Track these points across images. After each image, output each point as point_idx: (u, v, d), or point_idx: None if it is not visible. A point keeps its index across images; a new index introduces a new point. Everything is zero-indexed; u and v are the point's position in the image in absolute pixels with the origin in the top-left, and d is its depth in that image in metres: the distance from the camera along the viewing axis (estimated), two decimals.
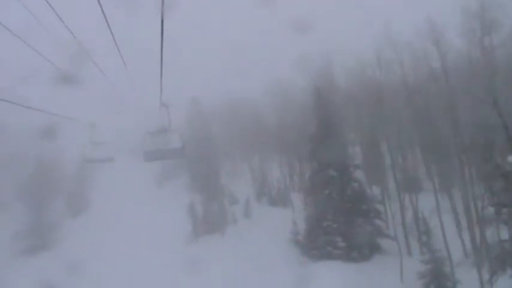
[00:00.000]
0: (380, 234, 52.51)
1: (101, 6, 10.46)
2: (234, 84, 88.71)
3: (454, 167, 53.14)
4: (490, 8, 44.03)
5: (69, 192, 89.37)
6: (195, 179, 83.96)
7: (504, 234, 36.92)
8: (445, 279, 41.02)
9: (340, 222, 51.39)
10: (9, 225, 73.22)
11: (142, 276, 55.19)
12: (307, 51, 70.68)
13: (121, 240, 65.21)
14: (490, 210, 39.29)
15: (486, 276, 36.69)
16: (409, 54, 52.06)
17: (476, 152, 45.51)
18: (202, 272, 48.54)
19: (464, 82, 47.18)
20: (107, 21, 11.46)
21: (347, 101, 63.68)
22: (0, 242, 68.53)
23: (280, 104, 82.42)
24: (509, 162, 32.91)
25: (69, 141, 61.05)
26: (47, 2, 11.59)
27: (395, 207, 54.56)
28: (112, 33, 12.31)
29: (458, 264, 44.75)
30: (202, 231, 68.79)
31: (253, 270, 49.85)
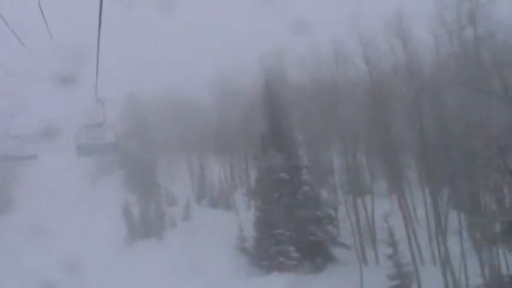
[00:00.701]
0: (334, 242, 48.81)
1: None
2: (175, 79, 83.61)
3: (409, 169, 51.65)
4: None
5: None
6: (130, 177, 79.25)
7: None
8: None
9: (292, 229, 47.18)
10: None
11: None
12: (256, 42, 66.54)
13: (46, 245, 58.87)
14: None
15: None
16: (374, 50, 47.66)
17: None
18: (136, 282, 43.53)
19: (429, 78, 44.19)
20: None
21: (299, 98, 59.38)
22: None
23: (224, 100, 77.72)
24: None
25: None
26: None
27: (344, 212, 51.38)
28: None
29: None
30: (137, 235, 63.33)
31: (195, 282, 44.81)
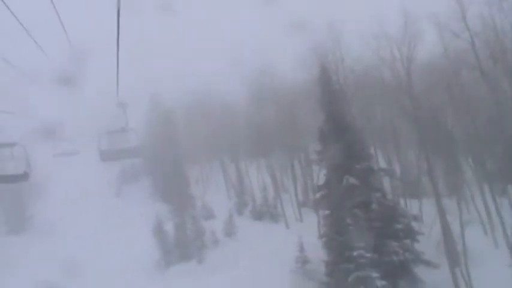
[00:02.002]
0: (419, 260, 39.04)
1: None
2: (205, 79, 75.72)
3: None
4: None
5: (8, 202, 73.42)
6: (159, 187, 70.70)
7: None
8: None
9: (371, 249, 37.38)
10: None
11: None
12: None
13: (69, 267, 49.81)
14: None
15: None
16: None
17: None
18: None
19: None
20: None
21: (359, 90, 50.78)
22: None
23: (261, 97, 68.10)
24: None
25: None
26: None
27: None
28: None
29: None
30: (173, 258, 54.52)
31: None
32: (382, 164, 55.32)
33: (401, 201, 49.55)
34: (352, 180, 40.55)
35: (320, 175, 50.97)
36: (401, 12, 43.30)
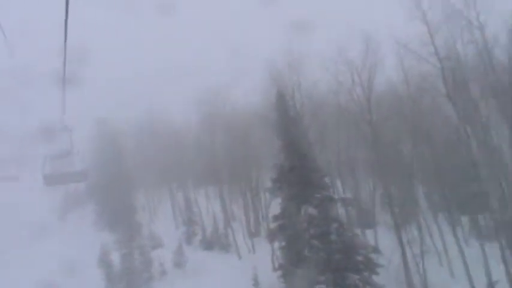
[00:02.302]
0: None
1: None
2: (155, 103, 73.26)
3: None
4: None
5: None
6: (105, 213, 67.77)
7: None
8: None
9: (331, 282, 35.83)
10: None
11: None
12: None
13: None
14: None
15: None
16: None
17: None
18: None
19: None
20: None
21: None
22: None
23: (213, 121, 66.32)
24: None
25: None
26: None
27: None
28: None
29: None
30: None
31: None
32: (337, 193, 54.26)
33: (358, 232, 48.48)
34: (311, 210, 39.22)
35: (273, 204, 49.65)
36: (363, 37, 42.69)
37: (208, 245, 60.26)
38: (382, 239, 46.62)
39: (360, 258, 38.22)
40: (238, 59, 71.09)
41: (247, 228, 59.62)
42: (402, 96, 44.70)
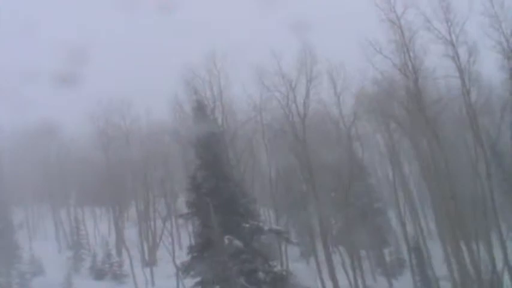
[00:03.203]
0: None
1: None
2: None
3: None
4: None
5: None
6: None
7: None
8: None
9: None
10: None
11: None
12: None
13: None
14: None
15: None
16: None
17: None
18: None
19: None
20: None
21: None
22: None
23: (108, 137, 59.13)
24: None
25: None
26: None
27: None
28: None
29: None
30: None
31: None
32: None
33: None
34: (236, 242, 33.77)
35: (182, 232, 43.91)
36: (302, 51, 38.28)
37: (99, 273, 52.82)
38: None
39: None
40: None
41: (142, 256, 53.26)
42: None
